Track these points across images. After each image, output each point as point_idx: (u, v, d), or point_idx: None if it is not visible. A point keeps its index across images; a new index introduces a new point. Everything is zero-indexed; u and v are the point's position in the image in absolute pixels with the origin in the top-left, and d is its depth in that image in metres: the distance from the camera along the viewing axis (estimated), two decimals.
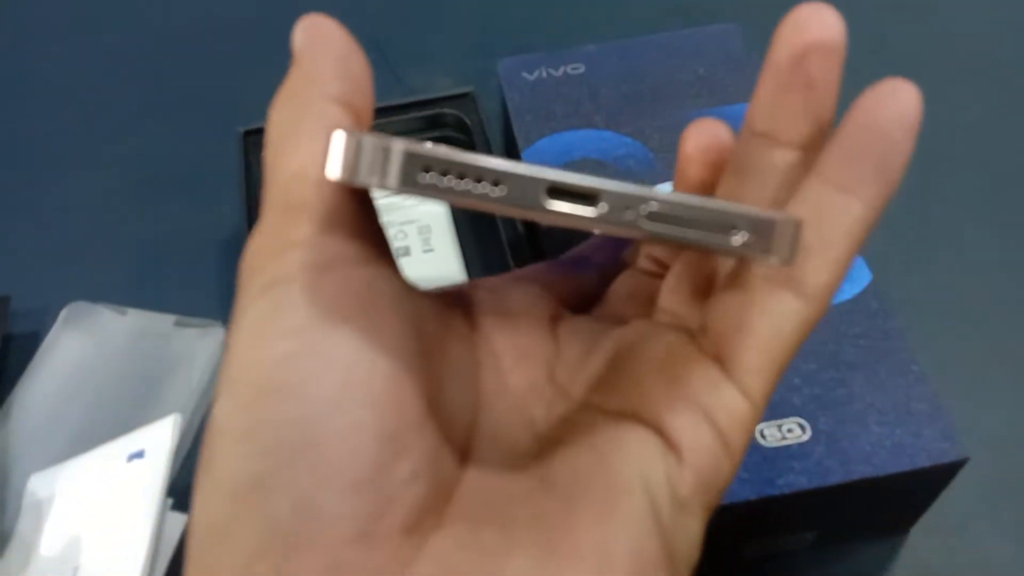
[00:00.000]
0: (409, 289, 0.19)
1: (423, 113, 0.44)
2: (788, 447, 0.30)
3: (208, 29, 0.57)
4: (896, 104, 0.17)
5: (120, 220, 0.47)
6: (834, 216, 0.18)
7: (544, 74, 0.43)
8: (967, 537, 0.35)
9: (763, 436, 0.30)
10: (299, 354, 0.16)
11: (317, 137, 0.18)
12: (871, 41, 0.53)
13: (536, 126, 0.40)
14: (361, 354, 0.16)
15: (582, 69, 0.43)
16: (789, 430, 0.30)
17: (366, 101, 0.19)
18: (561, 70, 0.43)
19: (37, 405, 0.38)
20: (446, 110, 0.44)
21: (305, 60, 0.19)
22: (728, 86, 0.41)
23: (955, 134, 0.49)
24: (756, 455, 0.30)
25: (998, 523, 0.35)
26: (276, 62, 0.57)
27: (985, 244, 0.44)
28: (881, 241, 0.44)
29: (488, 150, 0.43)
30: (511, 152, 0.43)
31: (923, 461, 0.29)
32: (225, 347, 0.17)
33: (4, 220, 0.48)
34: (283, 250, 0.17)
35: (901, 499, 0.32)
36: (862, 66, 0.56)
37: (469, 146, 0.43)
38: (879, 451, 0.30)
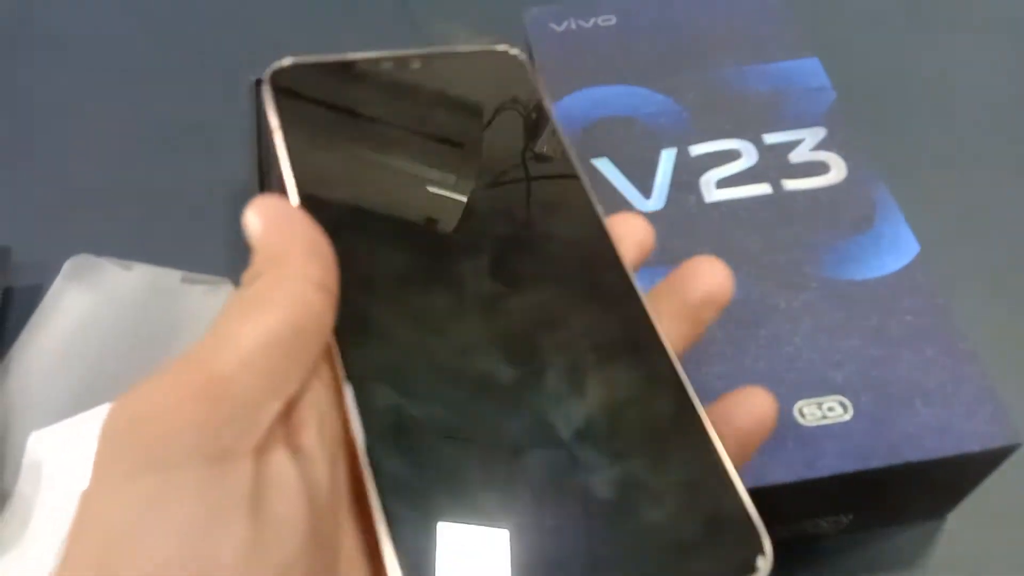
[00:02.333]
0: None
1: None
2: (828, 427, 0.28)
3: None
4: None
5: (126, 171, 0.46)
6: None
7: (573, 25, 0.40)
8: (1006, 524, 0.33)
9: (802, 415, 0.28)
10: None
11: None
12: (907, 2, 0.50)
13: (564, 81, 0.38)
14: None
15: (613, 21, 0.40)
16: (830, 408, 0.28)
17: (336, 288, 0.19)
18: (591, 21, 0.40)
19: (38, 361, 0.37)
20: None
21: (273, 247, 0.19)
22: (767, 41, 0.39)
23: (1005, 103, 0.46)
24: (794, 434, 0.28)
25: None
26: (288, 11, 0.55)
27: None
28: (929, 212, 0.42)
29: None
30: None
31: (972, 445, 0.28)
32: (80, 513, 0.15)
33: (6, 169, 0.46)
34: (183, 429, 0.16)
35: (945, 484, 0.30)
36: (898, 28, 0.53)
37: None
38: (925, 434, 0.28)
